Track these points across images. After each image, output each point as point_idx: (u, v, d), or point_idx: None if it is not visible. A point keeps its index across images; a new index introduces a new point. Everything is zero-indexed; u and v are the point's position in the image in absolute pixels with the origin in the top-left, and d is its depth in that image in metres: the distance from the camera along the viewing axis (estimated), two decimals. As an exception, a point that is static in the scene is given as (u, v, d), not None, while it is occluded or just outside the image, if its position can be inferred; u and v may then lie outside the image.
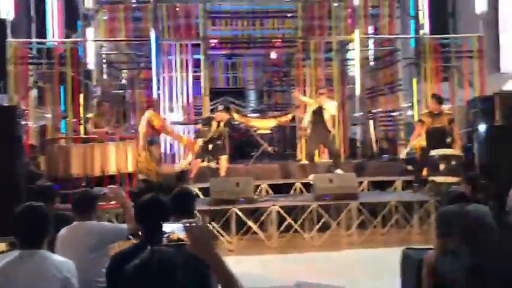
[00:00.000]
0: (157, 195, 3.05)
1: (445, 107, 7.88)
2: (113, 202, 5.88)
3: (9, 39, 8.90)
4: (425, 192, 7.60)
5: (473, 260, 3.67)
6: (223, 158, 8.22)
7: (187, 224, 1.66)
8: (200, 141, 8.26)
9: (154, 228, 2.70)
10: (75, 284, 2.46)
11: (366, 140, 10.56)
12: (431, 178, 7.42)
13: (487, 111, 7.69)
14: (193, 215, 3.45)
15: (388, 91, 10.73)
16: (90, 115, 7.92)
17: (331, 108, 8.12)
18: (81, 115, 9.18)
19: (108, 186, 4.44)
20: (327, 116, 8.07)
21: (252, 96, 16.87)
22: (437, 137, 7.63)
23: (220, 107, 8.53)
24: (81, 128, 8.83)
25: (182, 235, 1.69)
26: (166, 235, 1.76)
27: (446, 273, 3.90)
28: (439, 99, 7.78)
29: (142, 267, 1.47)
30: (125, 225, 3.52)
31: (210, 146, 8.23)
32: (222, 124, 8.22)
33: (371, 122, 10.65)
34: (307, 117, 8.25)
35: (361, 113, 11.74)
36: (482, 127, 7.39)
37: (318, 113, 8.06)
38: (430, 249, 4.16)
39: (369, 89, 11.89)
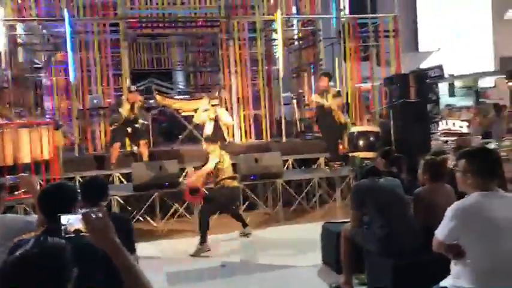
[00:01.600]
0: (63, 183, 2.91)
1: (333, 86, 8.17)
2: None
3: None
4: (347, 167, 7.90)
5: (385, 230, 3.86)
6: (142, 143, 8.00)
7: (85, 214, 1.61)
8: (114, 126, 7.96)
9: (56, 218, 2.57)
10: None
11: (291, 119, 10.75)
12: (351, 154, 7.70)
13: (402, 89, 8.05)
14: (101, 203, 3.33)
15: (311, 71, 10.94)
16: None
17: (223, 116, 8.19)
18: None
19: (19, 175, 4.18)
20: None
21: (179, 77, 16.55)
22: (322, 115, 7.93)
23: (133, 88, 8.25)
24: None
25: (81, 226, 1.64)
26: (63, 227, 1.68)
27: (361, 244, 4.08)
28: (328, 77, 8.05)
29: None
30: (33, 217, 3.32)
31: (129, 130, 7.98)
32: (136, 106, 7.97)
33: (295, 101, 10.84)
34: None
35: (287, 94, 11.96)
36: (397, 104, 7.72)
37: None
38: (348, 222, 4.33)
39: (294, 69, 12.08)
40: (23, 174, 4.35)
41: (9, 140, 6.58)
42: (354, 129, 8.01)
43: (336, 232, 4.51)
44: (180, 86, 16.07)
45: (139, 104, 8.10)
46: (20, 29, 10.22)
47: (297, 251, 5.60)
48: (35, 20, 9.47)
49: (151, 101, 10.12)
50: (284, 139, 9.43)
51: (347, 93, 10.27)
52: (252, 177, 7.30)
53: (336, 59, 10.71)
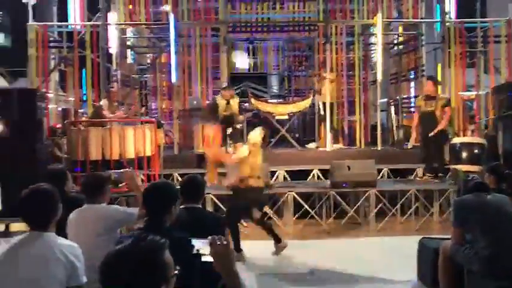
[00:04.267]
0: (167, 182, 3.03)
1: (442, 93, 7.61)
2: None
3: (31, 22, 8.98)
4: (447, 180, 7.46)
5: (490, 250, 3.57)
6: (239, 145, 8.17)
7: (212, 239, 1.70)
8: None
9: (158, 214, 2.69)
10: (81, 269, 2.45)
11: (387, 127, 10.38)
12: (452, 166, 7.25)
13: (513, 99, 7.44)
14: (199, 201, 3.44)
15: (411, 77, 10.50)
16: (103, 101, 7.98)
17: None
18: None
19: (123, 170, 4.48)
20: None
21: (273, 81, 16.72)
22: (426, 122, 7.44)
23: (225, 84, 8.50)
24: (91, 112, 8.91)
25: (206, 249, 1.73)
26: (194, 248, 1.79)
27: (462, 263, 3.81)
28: (434, 81, 7.55)
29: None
30: (135, 210, 3.51)
31: (229, 130, 8.22)
32: (232, 102, 8.20)
33: (392, 108, 10.44)
34: None
35: (384, 99, 11.57)
36: (507, 115, 7.14)
37: None
38: (447, 238, 4.06)
39: (392, 75, 11.66)
40: (126, 169, 4.67)
41: (116, 136, 7.04)
42: (457, 140, 7.54)
43: (434, 248, 4.26)
44: (274, 90, 16.23)
45: (235, 101, 8.31)
46: (129, 32, 10.97)
47: (390, 265, 5.37)
48: (143, 24, 10.09)
49: (246, 104, 10.34)
50: (379, 147, 9.13)
51: (449, 101, 9.69)
52: (343, 185, 7.15)
53: (439, 65, 10.16)
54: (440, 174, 7.58)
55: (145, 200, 2.78)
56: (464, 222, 3.77)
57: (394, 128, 10.03)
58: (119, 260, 1.43)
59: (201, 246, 1.74)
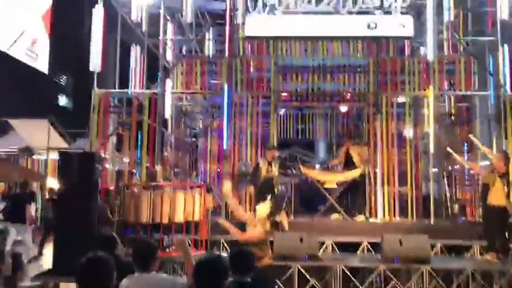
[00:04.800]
0: (218, 257, 3.03)
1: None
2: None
3: (95, 89, 9.60)
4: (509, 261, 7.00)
5: None
6: (282, 213, 8.14)
7: None
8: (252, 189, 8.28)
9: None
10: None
11: (440, 199, 10.04)
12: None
13: None
14: (248, 275, 3.40)
15: (465, 148, 10.25)
16: (156, 167, 8.24)
17: None
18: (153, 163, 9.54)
19: (176, 238, 4.54)
20: None
21: (321, 148, 16.77)
22: (487, 195, 7.07)
23: (270, 146, 8.58)
24: (145, 175, 9.20)
25: None
26: None
27: None
28: (506, 157, 7.21)
29: None
30: (184, 279, 3.52)
31: (269, 195, 8.19)
32: (273, 165, 8.22)
33: (445, 180, 10.15)
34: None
35: (436, 170, 11.28)
36: None
37: None
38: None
39: (444, 146, 11.42)
40: (178, 237, 4.72)
41: (167, 200, 7.20)
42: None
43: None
44: (321, 157, 16.24)
45: (276, 165, 8.35)
46: (184, 99, 11.48)
47: None
48: (199, 92, 10.55)
49: (294, 170, 10.37)
50: (432, 220, 8.80)
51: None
52: (395, 260, 6.88)
53: (494, 138, 9.89)
54: (501, 254, 7.14)
55: (197, 276, 2.78)
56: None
57: (448, 201, 9.69)
58: None
59: None
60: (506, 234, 7.15)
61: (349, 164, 9.30)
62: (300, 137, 16.07)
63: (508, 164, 7.11)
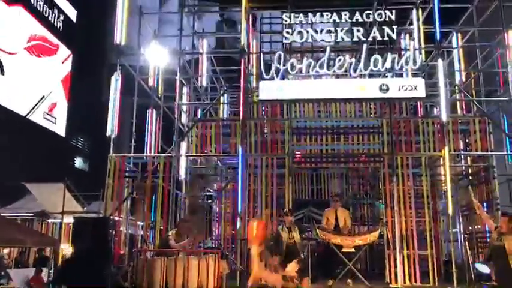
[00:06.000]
0: None
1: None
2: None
3: (111, 154, 9.71)
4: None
5: None
6: (305, 280, 7.90)
7: None
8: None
9: None
10: None
11: (462, 261, 9.70)
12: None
13: None
14: None
15: (485, 209, 9.99)
16: (171, 232, 8.15)
17: None
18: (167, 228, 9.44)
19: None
20: None
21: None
22: (497, 257, 6.77)
23: (286, 212, 8.48)
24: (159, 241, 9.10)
25: None
26: None
27: None
28: (510, 217, 7.00)
29: None
30: None
31: (293, 264, 7.99)
32: (293, 229, 8.09)
33: (466, 242, 9.84)
34: None
35: (455, 230, 10.99)
36: None
37: None
38: None
39: (464, 206, 11.18)
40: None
41: (180, 266, 7.06)
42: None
43: None
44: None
45: (296, 230, 8.22)
46: (199, 162, 11.54)
47: None
48: (214, 155, 10.61)
49: (311, 232, 10.15)
50: (455, 285, 8.45)
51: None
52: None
53: (515, 197, 9.70)
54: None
55: None
56: None
57: (471, 264, 9.34)
58: None
59: None
60: None
61: (336, 227, 9.21)
62: (315, 197, 15.89)
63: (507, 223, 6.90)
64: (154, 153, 10.41)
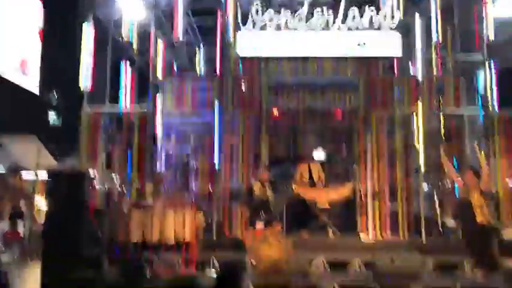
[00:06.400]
0: (192, 280, 2.98)
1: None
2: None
3: (85, 107, 9.56)
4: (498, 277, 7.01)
5: None
6: (277, 227, 8.13)
7: None
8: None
9: None
10: None
11: (431, 216, 10.05)
12: (503, 262, 6.85)
13: None
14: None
15: (455, 166, 10.30)
16: (148, 185, 8.20)
17: None
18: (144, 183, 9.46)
19: (163, 255, 4.50)
20: None
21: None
22: (465, 212, 7.10)
23: (262, 168, 8.62)
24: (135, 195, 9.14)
25: None
26: None
27: None
28: (475, 172, 7.29)
29: None
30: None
31: (263, 215, 8.18)
32: (267, 185, 8.24)
33: (436, 197, 10.17)
34: None
35: (426, 188, 11.33)
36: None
37: None
38: None
39: (435, 164, 11.48)
40: (165, 256, 4.68)
41: (157, 219, 7.15)
42: (506, 233, 7.21)
43: None
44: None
45: (272, 185, 8.37)
46: (175, 116, 11.45)
47: None
48: (190, 110, 10.55)
49: (286, 187, 10.33)
50: (423, 238, 8.80)
51: (496, 193, 9.42)
52: (386, 278, 6.84)
53: (483, 154, 9.98)
54: (490, 270, 7.14)
55: None
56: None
57: (439, 218, 9.70)
58: None
59: None
60: (493, 251, 7.17)
61: (311, 181, 9.45)
62: (291, 154, 16.06)
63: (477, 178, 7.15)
64: (130, 108, 10.26)
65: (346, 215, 10.73)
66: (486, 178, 7.12)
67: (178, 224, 7.19)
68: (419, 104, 9.47)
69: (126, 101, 10.57)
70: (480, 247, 7.13)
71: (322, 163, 11.03)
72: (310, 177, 9.52)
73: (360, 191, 9.37)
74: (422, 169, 9.70)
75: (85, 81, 9.20)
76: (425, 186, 10.92)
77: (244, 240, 8.33)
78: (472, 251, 7.28)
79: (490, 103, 9.99)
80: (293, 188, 9.80)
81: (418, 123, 9.56)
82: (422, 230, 8.94)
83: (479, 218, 6.96)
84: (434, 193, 10.14)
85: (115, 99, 10.70)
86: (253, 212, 8.23)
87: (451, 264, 7.90)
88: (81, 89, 9.29)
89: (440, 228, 9.54)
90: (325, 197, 9.30)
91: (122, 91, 10.75)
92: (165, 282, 2.89)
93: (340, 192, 9.34)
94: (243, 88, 10.14)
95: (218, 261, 7.57)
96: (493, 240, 7.21)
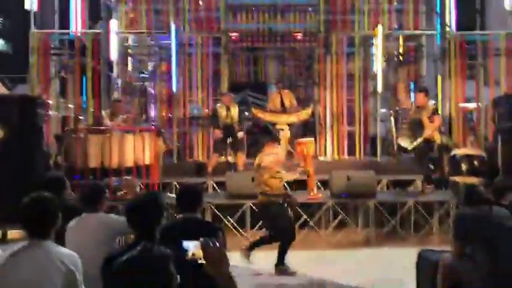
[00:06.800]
0: (151, 195, 3.00)
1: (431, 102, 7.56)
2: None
3: (33, 30, 9.01)
4: (447, 192, 7.45)
5: (490, 264, 3.56)
6: (239, 155, 8.26)
7: (203, 242, 1.67)
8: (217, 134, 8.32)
9: (144, 231, 2.65)
10: (80, 278, 2.44)
11: (387, 137, 10.38)
12: (452, 178, 7.24)
13: (513, 111, 7.47)
14: (197, 211, 3.43)
15: (411, 88, 10.53)
16: (104, 112, 8.00)
17: None
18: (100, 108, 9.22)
19: (123, 178, 4.49)
20: None
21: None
22: (415, 130, 7.42)
23: (224, 91, 8.59)
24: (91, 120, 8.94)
25: (199, 252, 1.69)
26: (185, 251, 1.73)
27: (462, 277, 3.78)
28: (425, 93, 7.52)
29: (129, 263, 1.44)
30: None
31: (229, 140, 8.26)
32: (232, 109, 8.25)
33: (392, 119, 10.44)
34: None
35: (385, 110, 11.59)
36: (505, 126, 7.16)
37: None
38: (447, 251, 4.05)
39: (392, 86, 11.67)
40: (126, 177, 4.67)
41: (115, 144, 7.04)
42: (456, 151, 7.55)
43: (434, 261, 4.23)
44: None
45: (235, 109, 8.35)
46: (130, 40, 11.01)
47: (388, 277, 5.36)
48: (144, 32, 10.12)
49: (246, 113, 10.33)
50: (379, 158, 9.13)
51: (450, 114, 9.75)
52: (343, 195, 7.14)
53: (439, 76, 10.20)
54: (438, 185, 7.58)
55: (129, 218, 2.71)
56: (464, 235, 3.75)
57: (394, 139, 10.02)
58: (130, 269, 1.44)
59: (194, 250, 1.70)
60: (442, 167, 7.58)
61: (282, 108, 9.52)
62: (252, 79, 15.92)
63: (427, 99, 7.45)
64: (82, 29, 9.73)
65: (307, 137, 10.94)
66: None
67: (137, 148, 7.12)
68: (379, 26, 9.41)
69: (77, 23, 10.00)
70: (428, 163, 7.50)
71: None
72: (282, 105, 9.49)
73: (319, 114, 9.47)
74: (380, 91, 9.85)
75: (30, 1, 8.59)
76: (383, 109, 11.20)
77: (206, 164, 8.43)
78: (422, 167, 7.66)
79: (448, 25, 10.04)
80: (253, 112, 9.81)
81: (377, 45, 9.56)
82: (378, 150, 9.23)
83: (427, 134, 7.24)
84: (391, 115, 10.39)
85: (66, 22, 10.11)
86: (218, 137, 8.28)
87: (405, 181, 8.31)
88: (28, 11, 8.68)
89: (395, 149, 9.89)
90: (284, 120, 9.37)
91: (72, 13, 10.14)
92: (127, 202, 2.87)
93: (299, 115, 9.43)
94: (201, 8, 9.75)
95: (179, 185, 7.67)
96: (442, 157, 7.59)
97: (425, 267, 4.54)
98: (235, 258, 5.59)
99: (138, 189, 3.68)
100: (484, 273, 3.54)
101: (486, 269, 3.53)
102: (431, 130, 7.20)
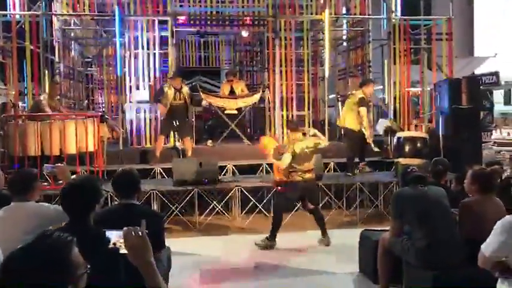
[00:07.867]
0: (86, 178, 2.92)
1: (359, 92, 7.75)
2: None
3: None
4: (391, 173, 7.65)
5: (426, 242, 3.67)
6: (187, 139, 8.13)
7: (126, 231, 1.65)
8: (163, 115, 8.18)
9: (78, 215, 2.57)
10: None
11: (335, 122, 10.52)
12: (396, 160, 7.44)
13: (454, 94, 7.74)
14: (134, 197, 3.34)
15: (358, 73, 10.69)
16: (43, 96, 7.66)
17: None
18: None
19: (56, 165, 4.30)
20: None
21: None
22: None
23: (171, 74, 8.46)
24: (30, 106, 8.55)
25: (121, 241, 1.67)
26: (107, 240, 1.70)
27: (400, 254, 3.89)
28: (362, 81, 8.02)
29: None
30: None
31: (176, 122, 8.08)
32: (183, 91, 8.12)
33: (340, 104, 10.60)
34: None
35: (333, 95, 11.75)
36: (447, 109, 7.41)
37: None
38: (387, 230, 4.15)
39: (341, 71, 11.83)
40: (58, 164, 4.47)
41: (56, 131, 6.76)
42: (401, 134, 7.78)
43: (375, 240, 4.34)
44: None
45: (186, 91, 8.21)
46: (73, 23, 10.57)
47: (334, 257, 5.47)
48: (86, 15, 9.74)
49: (197, 99, 10.18)
50: (327, 142, 9.22)
51: (395, 97, 10.00)
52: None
53: (385, 61, 10.42)
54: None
55: (63, 202, 2.63)
56: (401, 214, 3.85)
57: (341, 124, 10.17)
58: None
59: (118, 238, 1.66)
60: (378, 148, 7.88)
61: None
62: (203, 65, 15.73)
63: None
64: (20, 11, 9.23)
65: (256, 123, 10.95)
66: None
67: (80, 135, 6.86)
68: (327, 10, 9.46)
69: (14, 4, 9.49)
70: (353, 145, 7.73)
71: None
72: (233, 94, 9.56)
73: (269, 99, 9.47)
74: (327, 76, 9.96)
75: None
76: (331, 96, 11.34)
77: (154, 148, 8.26)
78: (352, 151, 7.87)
79: (393, 10, 10.24)
80: (203, 97, 9.68)
81: (325, 30, 9.62)
82: (326, 135, 9.33)
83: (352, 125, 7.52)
84: (338, 100, 10.54)
85: (3, 4, 9.58)
86: (162, 113, 8.13)
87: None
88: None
89: (342, 133, 10.05)
90: (233, 104, 9.32)
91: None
92: (66, 186, 2.76)
93: (247, 100, 9.41)
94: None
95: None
96: (388, 140, 7.80)
97: (367, 246, 4.66)
98: (179, 243, 5.54)
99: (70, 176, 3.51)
100: (419, 249, 3.64)
101: (421, 245, 3.64)
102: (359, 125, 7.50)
